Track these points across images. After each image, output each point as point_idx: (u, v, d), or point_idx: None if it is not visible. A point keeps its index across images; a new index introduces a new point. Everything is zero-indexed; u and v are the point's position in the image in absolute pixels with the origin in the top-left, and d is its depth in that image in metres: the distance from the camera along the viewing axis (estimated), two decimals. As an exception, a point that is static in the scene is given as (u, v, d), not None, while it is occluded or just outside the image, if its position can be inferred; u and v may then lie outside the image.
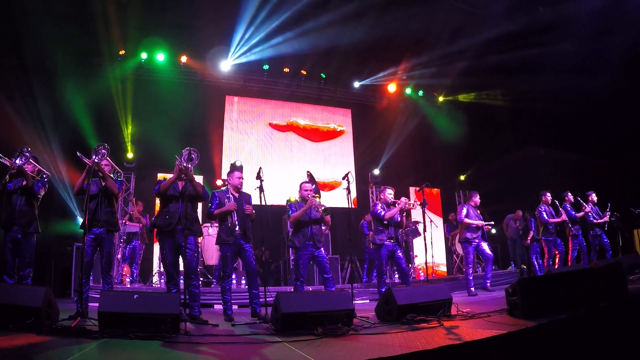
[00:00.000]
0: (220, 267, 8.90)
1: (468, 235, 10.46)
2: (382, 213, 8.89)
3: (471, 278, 10.28)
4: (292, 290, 8.09)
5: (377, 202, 9.41)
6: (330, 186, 17.28)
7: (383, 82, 18.42)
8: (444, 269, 17.33)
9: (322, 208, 7.98)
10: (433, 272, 14.51)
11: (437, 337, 4.72)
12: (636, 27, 14.07)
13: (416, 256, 14.83)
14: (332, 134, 18.35)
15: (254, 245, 7.98)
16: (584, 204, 11.72)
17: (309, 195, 8.09)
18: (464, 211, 10.62)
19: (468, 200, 11.02)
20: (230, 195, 7.60)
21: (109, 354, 4.31)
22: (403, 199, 9.13)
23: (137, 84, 14.97)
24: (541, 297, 5.30)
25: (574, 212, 11.61)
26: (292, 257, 12.26)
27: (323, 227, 8.53)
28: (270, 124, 17.43)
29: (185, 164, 6.96)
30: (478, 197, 10.92)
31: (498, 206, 16.28)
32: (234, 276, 8.01)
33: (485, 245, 10.41)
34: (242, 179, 7.82)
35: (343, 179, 8.07)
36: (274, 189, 15.66)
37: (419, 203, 9.69)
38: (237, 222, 7.37)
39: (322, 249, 8.03)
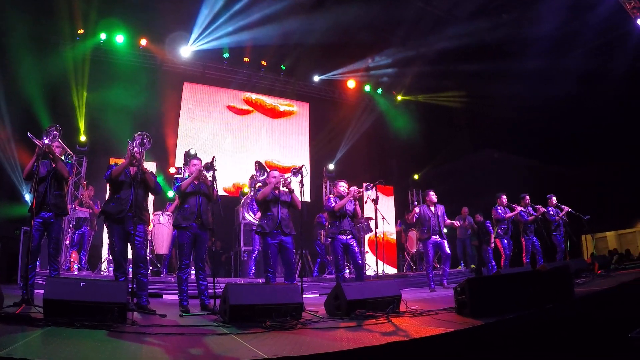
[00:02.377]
0: (176, 255, 8.80)
1: (422, 235, 11.01)
2: (333, 205, 8.90)
3: (431, 276, 10.71)
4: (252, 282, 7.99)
5: (330, 195, 9.40)
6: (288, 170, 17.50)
7: (343, 77, 18.47)
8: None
9: (289, 180, 7.94)
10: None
11: (385, 334, 4.74)
12: (595, 40, 14.44)
13: (367, 252, 14.92)
14: (282, 114, 18.52)
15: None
16: (540, 207, 12.12)
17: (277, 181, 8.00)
18: (417, 213, 11.15)
19: (424, 199, 11.40)
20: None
21: (53, 342, 4.19)
22: (352, 188, 9.13)
23: (94, 65, 14.68)
24: (489, 297, 5.37)
25: (526, 216, 11.98)
26: (257, 247, 12.19)
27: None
28: (228, 107, 17.39)
29: (137, 149, 6.84)
30: (432, 194, 11.12)
31: (450, 207, 16.48)
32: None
33: (445, 244, 10.80)
34: (198, 166, 7.66)
35: (297, 172, 7.99)
36: (228, 178, 15.62)
37: (369, 192, 9.69)
38: (195, 208, 7.29)
39: (290, 237, 7.90)
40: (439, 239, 10.74)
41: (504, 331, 4.54)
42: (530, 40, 14.90)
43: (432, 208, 10.95)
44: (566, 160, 16.05)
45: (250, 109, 17.87)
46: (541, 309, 5.03)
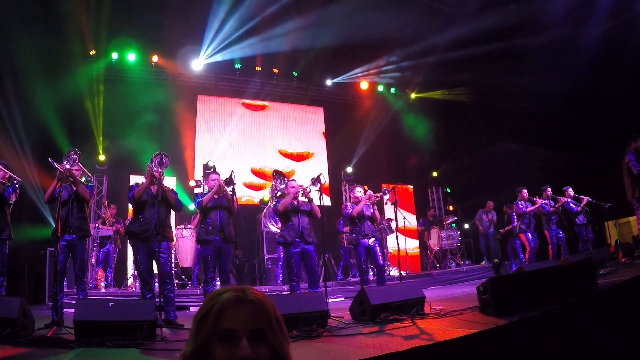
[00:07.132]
0: (202, 269, 8.91)
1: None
2: (350, 211, 8.89)
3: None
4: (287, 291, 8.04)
5: (347, 203, 9.39)
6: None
7: (355, 79, 18.48)
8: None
9: (308, 190, 7.97)
10: (407, 268, 14.60)
11: (409, 337, 4.78)
12: (604, 25, 14.32)
13: (389, 253, 14.91)
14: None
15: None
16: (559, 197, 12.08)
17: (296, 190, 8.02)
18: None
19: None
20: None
21: (87, 363, 4.30)
22: (368, 192, 9.13)
23: (108, 85, 14.83)
24: (512, 295, 5.38)
25: (548, 207, 11.91)
26: (282, 255, 12.22)
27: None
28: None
29: (156, 169, 6.96)
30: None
31: (471, 202, 16.48)
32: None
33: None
34: (217, 181, 7.76)
35: (315, 181, 8.02)
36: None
37: (387, 196, 9.65)
38: (217, 222, 7.44)
39: (312, 245, 7.93)
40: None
41: (528, 329, 4.56)
42: (541, 28, 14.80)
43: None
44: (584, 147, 15.85)
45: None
46: (565, 304, 5.03)
